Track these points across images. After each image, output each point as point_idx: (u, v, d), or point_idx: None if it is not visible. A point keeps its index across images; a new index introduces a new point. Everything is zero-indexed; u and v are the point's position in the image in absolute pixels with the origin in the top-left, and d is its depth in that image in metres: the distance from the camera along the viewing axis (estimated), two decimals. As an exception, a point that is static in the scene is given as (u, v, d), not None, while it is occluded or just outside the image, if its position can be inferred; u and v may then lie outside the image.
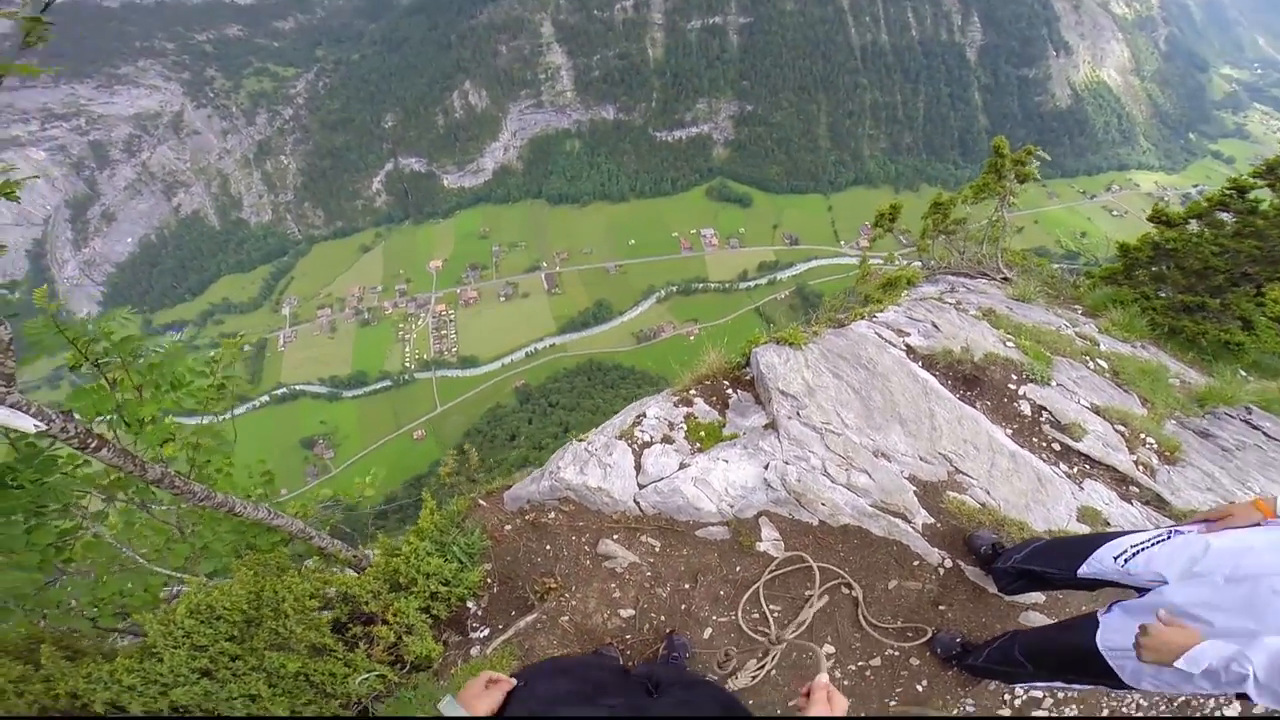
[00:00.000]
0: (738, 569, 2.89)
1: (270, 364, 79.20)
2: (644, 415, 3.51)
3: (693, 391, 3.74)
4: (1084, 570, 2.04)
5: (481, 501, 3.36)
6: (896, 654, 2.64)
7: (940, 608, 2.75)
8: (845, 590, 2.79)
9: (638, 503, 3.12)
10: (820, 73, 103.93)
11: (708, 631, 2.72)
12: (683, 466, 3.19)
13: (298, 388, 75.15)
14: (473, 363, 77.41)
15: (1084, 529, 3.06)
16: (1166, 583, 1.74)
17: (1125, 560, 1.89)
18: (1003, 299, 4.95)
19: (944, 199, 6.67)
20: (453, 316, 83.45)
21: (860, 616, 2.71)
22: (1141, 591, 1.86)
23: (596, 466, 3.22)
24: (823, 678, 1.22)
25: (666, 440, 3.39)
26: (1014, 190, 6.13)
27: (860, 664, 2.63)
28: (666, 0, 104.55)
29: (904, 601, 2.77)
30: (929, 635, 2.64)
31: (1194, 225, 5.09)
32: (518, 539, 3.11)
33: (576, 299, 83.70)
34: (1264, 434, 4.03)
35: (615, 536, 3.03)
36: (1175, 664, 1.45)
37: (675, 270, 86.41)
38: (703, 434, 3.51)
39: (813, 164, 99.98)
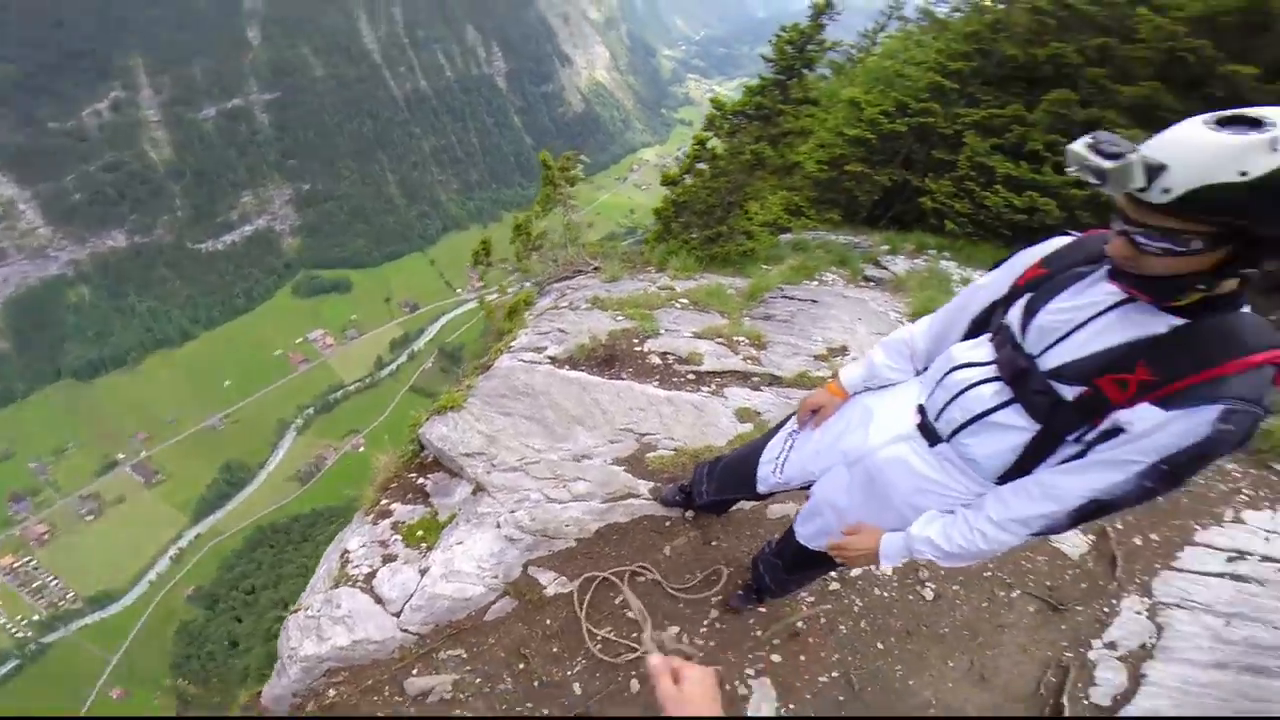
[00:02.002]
0: (548, 622, 2.82)
1: None
2: (348, 551, 3.12)
3: (384, 501, 3.41)
4: (762, 489, 2.06)
5: None
6: (716, 599, 2.87)
7: (713, 544, 3.07)
8: (642, 579, 2.93)
9: (407, 630, 2.79)
10: (372, 132, 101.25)
11: (577, 687, 2.62)
12: (424, 572, 2.95)
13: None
14: (108, 598, 56.53)
15: (749, 427, 3.77)
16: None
17: (779, 471, 1.96)
18: (600, 285, 5.79)
19: (521, 220, 7.36)
20: (34, 563, 58.30)
21: (669, 591, 2.88)
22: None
23: (332, 624, 2.78)
24: (653, 659, 0.99)
25: (389, 559, 3.06)
26: (570, 194, 7.20)
27: (705, 627, 2.80)
28: (159, 94, 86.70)
29: (685, 558, 3.01)
30: (723, 572, 2.86)
31: (688, 179, 6.87)
32: (322, 731, 2.51)
33: (193, 476, 65.76)
34: (798, 300, 5.71)
35: (415, 671, 2.69)
36: (879, 567, 1.63)
37: (300, 391, 73.86)
38: (420, 533, 3.24)
39: (397, 225, 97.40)
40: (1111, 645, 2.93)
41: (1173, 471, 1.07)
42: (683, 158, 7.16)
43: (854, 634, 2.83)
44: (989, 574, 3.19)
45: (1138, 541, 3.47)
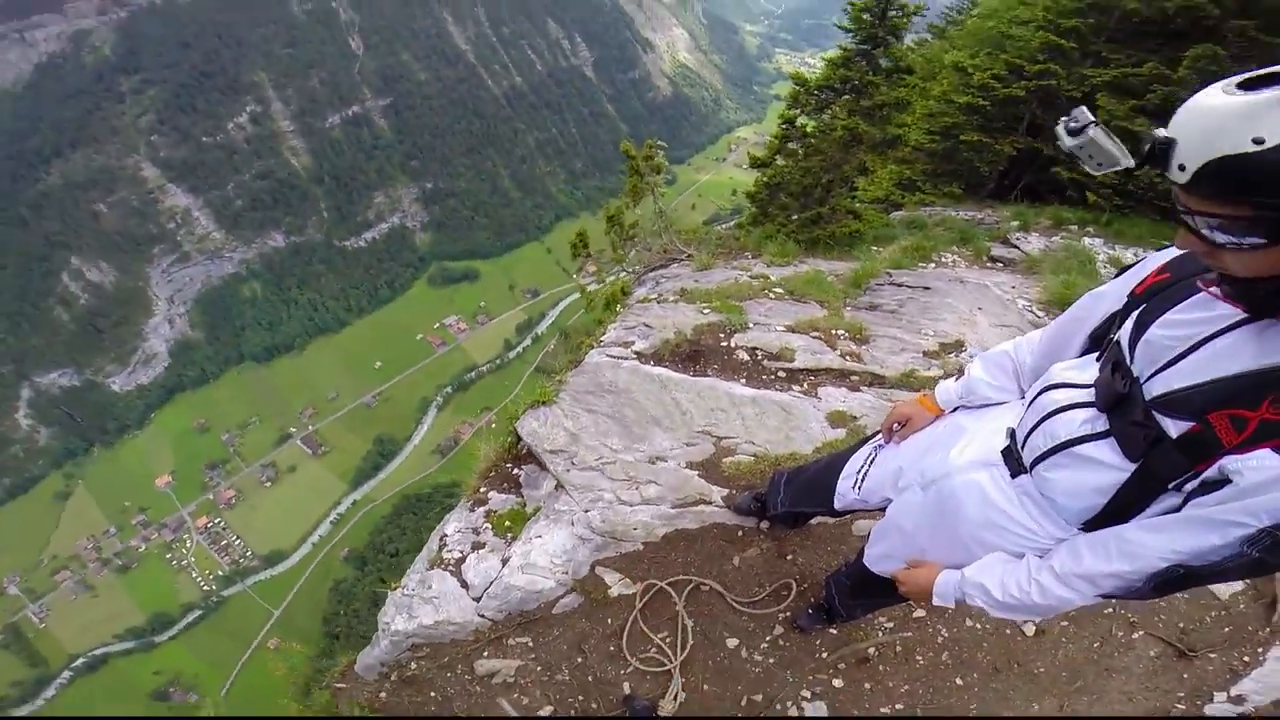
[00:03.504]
0: (609, 621, 2.89)
1: (42, 643, 60.06)
2: (445, 535, 3.38)
3: (483, 489, 3.66)
4: (839, 505, 1.94)
5: (339, 685, 3.11)
6: (783, 615, 2.77)
7: (788, 558, 2.94)
8: (705, 589, 2.89)
9: (484, 615, 3.00)
10: (480, 130, 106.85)
11: (626, 686, 2.69)
12: (505, 562, 3.12)
13: (97, 653, 58.88)
14: (279, 557, 66.09)
15: (841, 433, 3.47)
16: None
17: (858, 487, 1.83)
18: (690, 275, 5.59)
19: (613, 210, 7.35)
20: (223, 524, 69.24)
21: (731, 604, 2.81)
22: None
23: (423, 604, 3.04)
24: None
25: (478, 547, 3.28)
26: (657, 182, 7.04)
27: (766, 643, 2.71)
28: (289, 105, 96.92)
29: (755, 570, 2.92)
30: (793, 587, 2.74)
31: (780, 160, 6.44)
32: (398, 700, 2.89)
33: (351, 449, 74.53)
34: (908, 287, 5.18)
35: (486, 654, 2.90)
36: (934, 603, 1.42)
37: (439, 372, 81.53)
38: (508, 523, 3.45)
39: (514, 217, 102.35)
40: (1239, 699, 2.47)
41: None
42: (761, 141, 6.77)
43: (931, 666, 2.60)
44: (1109, 610, 2.76)
45: None
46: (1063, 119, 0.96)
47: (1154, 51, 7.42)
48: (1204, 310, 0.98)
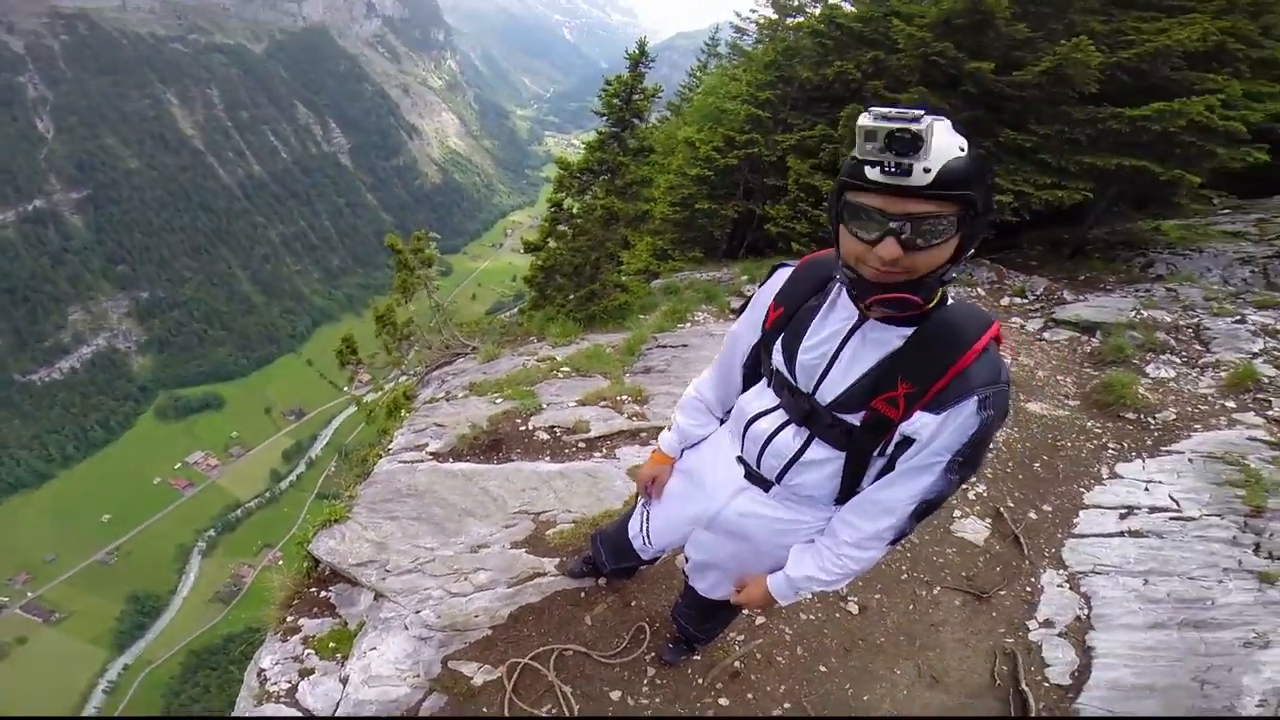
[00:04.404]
0: (484, 710, 2.70)
1: None
2: (263, 670, 3.02)
3: (290, 618, 3.22)
4: (645, 556, 2.12)
5: None
6: (649, 656, 2.79)
7: (633, 604, 3.00)
8: (569, 654, 2.85)
9: None
10: (208, 226, 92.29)
11: None
12: (344, 681, 2.87)
13: None
14: None
15: None
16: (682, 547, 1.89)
17: (648, 542, 2.02)
18: (478, 368, 5.56)
19: (382, 309, 6.93)
20: None
21: (600, 660, 2.80)
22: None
23: None
24: None
25: (306, 673, 2.96)
26: (429, 275, 6.85)
27: (645, 686, 2.71)
28: None
29: (608, 623, 2.94)
30: (646, 629, 2.82)
31: (551, 242, 6.78)
32: None
33: (98, 611, 58.53)
34: (671, 348, 5.78)
35: None
36: (778, 605, 1.58)
37: (194, 515, 67.06)
38: (333, 644, 3.12)
39: (260, 327, 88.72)
40: (1048, 623, 3.00)
41: (967, 460, 1.17)
42: (536, 224, 7.11)
43: (793, 662, 2.80)
44: (905, 577, 3.24)
45: (1033, 516, 3.66)
46: (882, 132, 0.95)
47: (823, 115, 9.25)
48: (826, 329, 1.25)
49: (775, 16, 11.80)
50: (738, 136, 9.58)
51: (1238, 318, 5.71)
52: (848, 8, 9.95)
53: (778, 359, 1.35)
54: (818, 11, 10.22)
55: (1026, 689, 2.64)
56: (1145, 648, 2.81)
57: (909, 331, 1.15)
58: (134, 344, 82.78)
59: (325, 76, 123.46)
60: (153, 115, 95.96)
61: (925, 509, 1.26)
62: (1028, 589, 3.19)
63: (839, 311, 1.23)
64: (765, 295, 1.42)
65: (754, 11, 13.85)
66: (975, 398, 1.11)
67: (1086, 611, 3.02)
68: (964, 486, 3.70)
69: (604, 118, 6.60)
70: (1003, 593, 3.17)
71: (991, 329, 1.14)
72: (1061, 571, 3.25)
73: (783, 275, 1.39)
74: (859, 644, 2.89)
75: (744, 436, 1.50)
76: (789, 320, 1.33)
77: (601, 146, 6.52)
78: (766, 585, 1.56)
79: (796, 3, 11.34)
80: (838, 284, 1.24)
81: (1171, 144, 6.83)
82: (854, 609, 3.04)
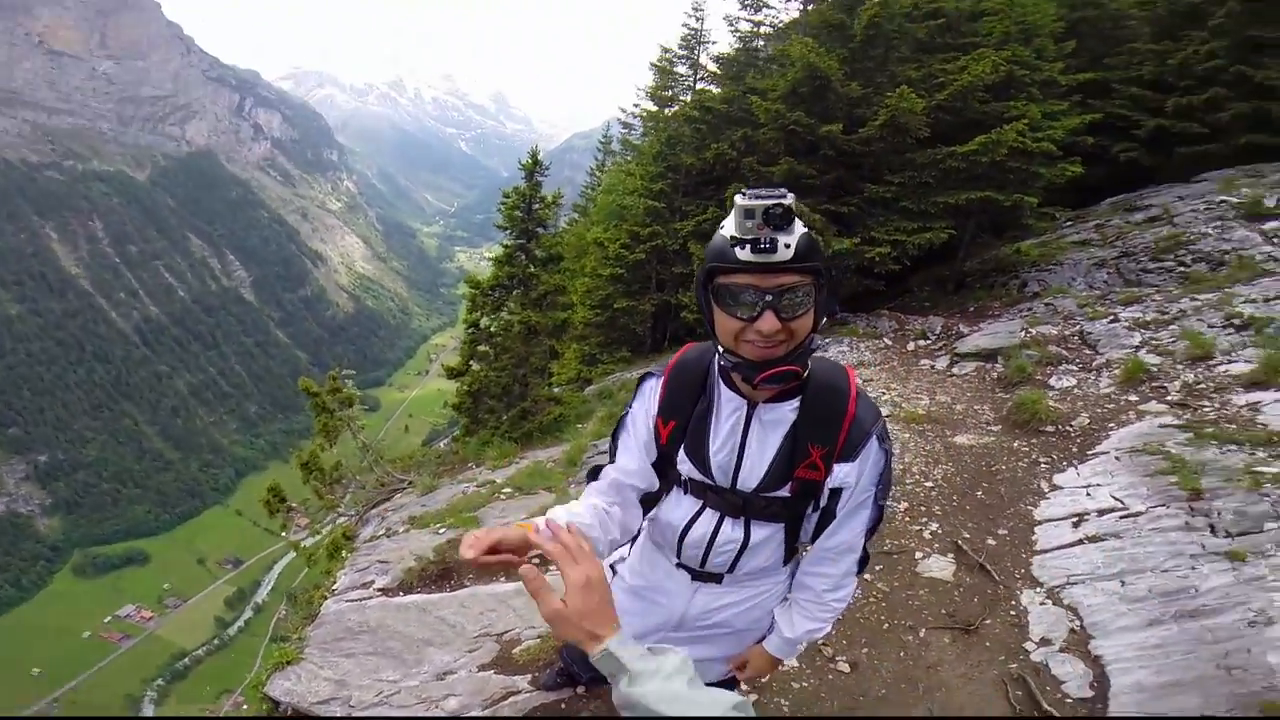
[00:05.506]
0: None
1: None
2: None
3: None
4: None
5: None
6: None
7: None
8: None
9: None
10: (106, 378, 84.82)
11: None
12: None
13: None
14: None
15: None
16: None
17: None
18: (417, 501, 5.35)
19: (306, 456, 6.55)
20: None
21: None
22: None
23: None
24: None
25: None
26: (352, 415, 6.55)
27: None
28: None
29: None
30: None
31: (475, 365, 6.68)
32: None
33: None
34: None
35: None
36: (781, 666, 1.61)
37: (138, 665, 60.77)
38: None
39: (178, 483, 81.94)
40: (1046, 641, 2.97)
41: (886, 487, 1.34)
42: (459, 345, 7.01)
43: None
44: (887, 626, 3.17)
45: (991, 542, 3.70)
46: (754, 220, 1.02)
47: (710, 198, 9.69)
48: (724, 426, 1.29)
49: (655, 108, 12.48)
50: (641, 230, 9.94)
51: (1111, 317, 6.32)
52: (715, 89, 10.85)
53: (686, 468, 1.38)
54: (688, 99, 11.08)
55: (1051, 709, 2.58)
56: (1152, 645, 2.79)
57: (796, 402, 1.25)
58: (38, 507, 74.36)
59: (217, 204, 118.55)
60: (30, 252, 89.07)
61: (871, 533, 1.41)
62: (1012, 613, 3.19)
63: (726, 407, 1.29)
64: (642, 414, 1.41)
65: (636, 105, 14.86)
66: (874, 436, 1.25)
67: (1079, 623, 3.02)
68: (918, 527, 3.92)
69: (507, 231, 6.73)
70: (988, 621, 3.15)
71: (849, 372, 1.30)
72: (1038, 589, 3.27)
73: (653, 387, 1.40)
74: (859, 701, 2.79)
75: (680, 548, 1.50)
76: (683, 432, 1.36)
77: (510, 260, 6.62)
78: (766, 652, 1.60)
79: (670, 92, 12.11)
80: (715, 381, 1.31)
81: (1004, 171, 7.72)
82: (845, 668, 2.96)
